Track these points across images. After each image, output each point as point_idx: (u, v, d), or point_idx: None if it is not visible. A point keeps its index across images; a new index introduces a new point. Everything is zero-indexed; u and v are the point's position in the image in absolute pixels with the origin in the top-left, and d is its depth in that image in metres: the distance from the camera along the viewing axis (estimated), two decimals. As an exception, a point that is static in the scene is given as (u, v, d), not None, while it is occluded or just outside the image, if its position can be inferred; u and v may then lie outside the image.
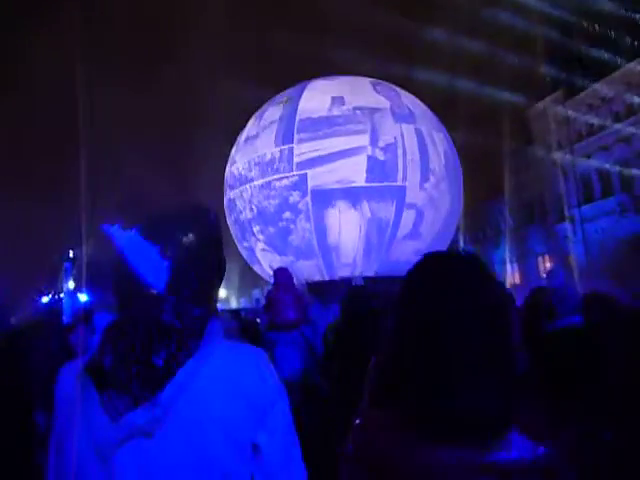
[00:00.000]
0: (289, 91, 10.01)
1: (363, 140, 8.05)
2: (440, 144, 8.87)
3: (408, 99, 9.69)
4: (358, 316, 3.71)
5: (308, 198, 8.37)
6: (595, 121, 28.67)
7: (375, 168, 7.93)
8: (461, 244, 30.67)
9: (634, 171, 26.92)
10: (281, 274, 5.47)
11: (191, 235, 1.16)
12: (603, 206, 28.17)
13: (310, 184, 8.35)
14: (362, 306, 3.80)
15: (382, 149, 8.05)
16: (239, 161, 9.74)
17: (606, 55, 26.03)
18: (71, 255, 26.35)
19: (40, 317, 5.65)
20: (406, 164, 7.91)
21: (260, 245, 9.43)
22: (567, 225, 29.63)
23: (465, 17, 27.39)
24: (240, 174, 9.61)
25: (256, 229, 9.37)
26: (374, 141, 8.00)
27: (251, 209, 9.48)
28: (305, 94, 9.54)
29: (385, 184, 7.92)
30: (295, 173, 8.64)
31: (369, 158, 7.99)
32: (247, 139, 9.87)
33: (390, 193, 7.93)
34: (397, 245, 8.35)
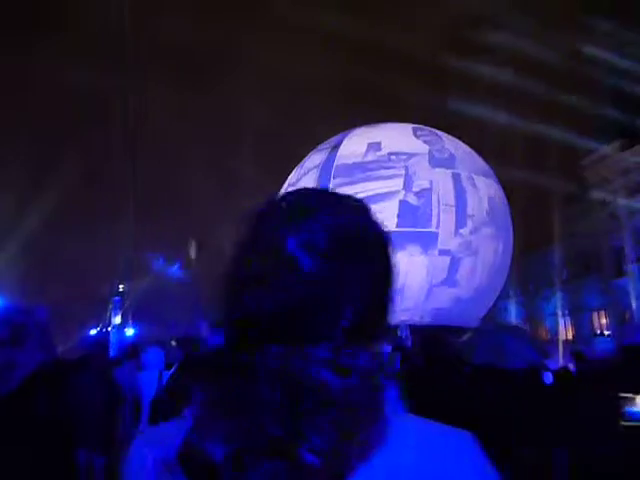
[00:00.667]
0: (333, 139, 10.04)
1: (396, 185, 7.88)
2: (484, 189, 8.56)
3: (452, 143, 9.48)
4: (443, 362, 3.40)
5: None
6: (656, 172, 27.49)
7: (407, 213, 7.71)
8: (511, 295, 29.64)
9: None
10: None
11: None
12: (664, 261, 26.65)
13: None
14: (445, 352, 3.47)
15: (416, 194, 7.84)
16: None
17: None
18: (121, 289, 26.99)
19: (87, 350, 5.42)
20: (440, 209, 7.65)
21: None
22: (626, 280, 28.09)
23: (527, 59, 27.19)
24: None
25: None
26: (408, 186, 7.82)
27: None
28: (346, 141, 9.55)
29: (418, 229, 7.66)
30: None
31: (401, 203, 7.79)
32: (288, 186, 9.91)
33: (421, 239, 7.67)
34: (435, 292, 8.05)
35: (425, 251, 7.68)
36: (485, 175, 9.28)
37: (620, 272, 28.54)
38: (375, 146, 8.55)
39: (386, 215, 7.88)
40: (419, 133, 9.39)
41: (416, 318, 7.99)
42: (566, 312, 29.30)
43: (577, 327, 29.76)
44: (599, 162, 30.00)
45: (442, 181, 8.03)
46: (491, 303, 10.12)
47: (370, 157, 8.40)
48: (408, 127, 9.68)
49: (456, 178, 8.09)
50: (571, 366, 5.62)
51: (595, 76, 28.47)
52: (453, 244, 7.70)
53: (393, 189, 7.87)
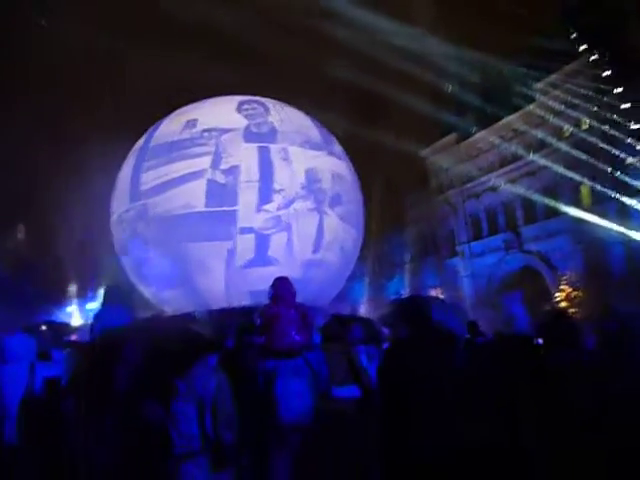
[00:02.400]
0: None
1: (204, 163, 7.72)
2: (302, 161, 8.33)
3: (282, 115, 9.00)
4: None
5: (153, 226, 7.92)
6: (484, 164, 30.48)
7: (215, 192, 7.61)
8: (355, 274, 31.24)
9: (518, 211, 28.73)
10: (282, 285, 4.39)
11: None
12: (490, 243, 29.75)
13: (153, 212, 7.89)
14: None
15: (223, 172, 7.77)
16: (113, 197, 9.28)
17: (493, 106, 27.81)
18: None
19: None
20: (243, 186, 7.68)
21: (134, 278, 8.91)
22: (457, 260, 30.96)
23: (367, 58, 28.40)
24: (110, 210, 9.23)
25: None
26: (216, 163, 7.70)
27: (116, 244, 9.13)
28: (166, 120, 9.16)
29: (223, 209, 7.64)
30: (139, 203, 8.18)
31: (209, 182, 7.66)
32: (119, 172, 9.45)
33: (226, 219, 7.64)
34: (245, 273, 7.96)
35: (227, 231, 7.61)
36: (314, 147, 8.77)
37: (453, 253, 31.39)
38: (191, 123, 8.32)
39: (195, 195, 7.71)
40: (244, 107, 9.09)
41: (234, 302, 7.88)
42: (407, 291, 31.53)
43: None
44: (437, 152, 32.58)
45: (250, 157, 7.97)
46: (342, 281, 10.00)
47: (185, 135, 8.16)
48: (235, 101, 9.34)
49: (263, 152, 8.04)
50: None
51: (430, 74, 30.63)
52: (257, 221, 7.68)
53: (201, 168, 7.71)
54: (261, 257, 7.84)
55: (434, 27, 26.12)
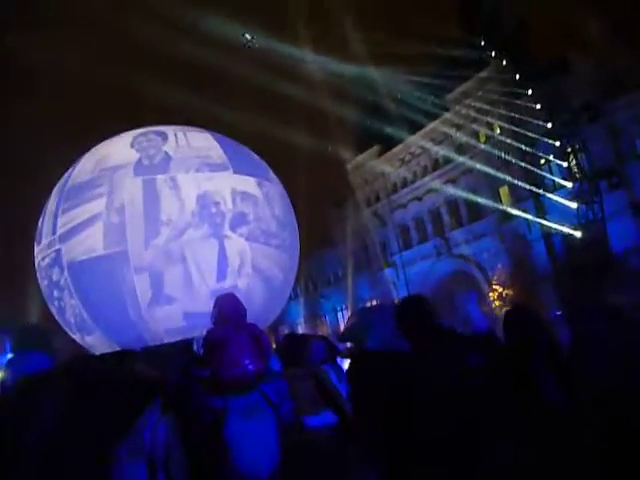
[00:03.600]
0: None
1: (101, 205, 7.10)
2: (194, 186, 7.69)
3: (179, 141, 8.46)
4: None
5: (66, 273, 7.27)
6: (407, 174, 30.88)
7: (110, 233, 6.98)
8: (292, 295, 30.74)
9: (444, 217, 29.20)
10: (227, 304, 3.62)
11: None
12: (421, 251, 30.03)
13: (65, 258, 7.27)
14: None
15: (117, 211, 7.13)
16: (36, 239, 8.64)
17: (416, 113, 28.24)
18: None
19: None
20: (132, 224, 7.04)
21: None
22: (390, 270, 31.05)
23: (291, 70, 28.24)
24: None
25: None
26: (110, 204, 7.08)
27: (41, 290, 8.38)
28: (83, 158, 8.52)
29: (117, 250, 6.96)
30: (52, 249, 7.54)
31: (105, 224, 7.04)
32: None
33: (121, 259, 6.98)
34: (151, 313, 7.33)
35: (124, 273, 6.99)
36: (213, 169, 8.17)
37: (386, 264, 31.47)
38: (98, 162, 7.73)
39: (95, 239, 7.09)
40: (139, 140, 8.52)
41: (157, 341, 7.30)
42: (344, 306, 31.31)
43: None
44: (361, 166, 32.73)
45: (135, 191, 7.38)
46: (278, 301, 9.59)
47: (88, 176, 7.55)
48: (131, 135, 8.80)
49: (149, 185, 7.44)
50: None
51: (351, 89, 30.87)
52: (147, 258, 7.03)
53: (99, 210, 7.09)
54: (159, 295, 7.18)
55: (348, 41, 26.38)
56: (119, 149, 8.77)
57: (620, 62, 21.46)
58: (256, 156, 9.98)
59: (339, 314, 31.39)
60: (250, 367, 3.23)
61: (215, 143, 9.44)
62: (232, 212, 8.22)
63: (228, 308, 3.58)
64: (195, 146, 9.00)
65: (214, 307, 3.65)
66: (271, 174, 9.88)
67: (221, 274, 8.19)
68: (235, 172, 8.98)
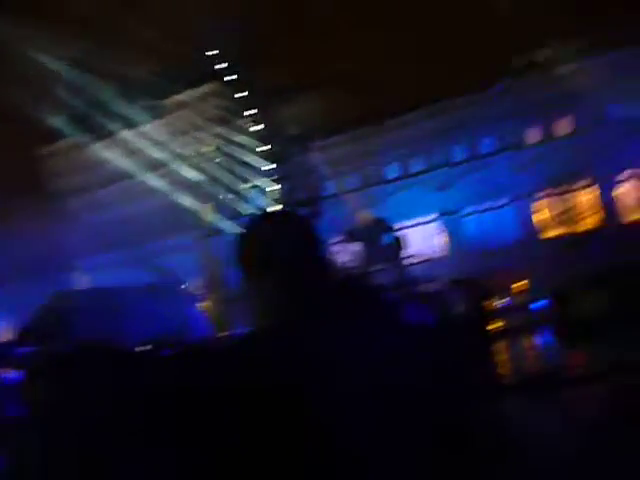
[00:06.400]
0: None
1: None
2: None
3: None
4: None
5: None
6: (103, 177, 28.58)
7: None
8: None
9: (138, 228, 27.71)
10: None
11: None
12: (113, 258, 27.63)
13: None
14: None
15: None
16: None
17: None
18: None
19: None
20: None
21: None
22: (75, 275, 27.52)
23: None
24: None
25: None
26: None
27: None
28: None
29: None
30: None
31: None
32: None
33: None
34: None
35: None
36: None
37: (70, 267, 27.80)
38: None
39: None
40: None
41: None
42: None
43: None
44: (56, 156, 28.87)
45: None
46: None
47: None
48: None
49: None
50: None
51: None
52: None
53: None
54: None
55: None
56: None
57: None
58: None
59: None
60: None
61: None
62: None
63: None
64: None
65: None
66: None
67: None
68: None
